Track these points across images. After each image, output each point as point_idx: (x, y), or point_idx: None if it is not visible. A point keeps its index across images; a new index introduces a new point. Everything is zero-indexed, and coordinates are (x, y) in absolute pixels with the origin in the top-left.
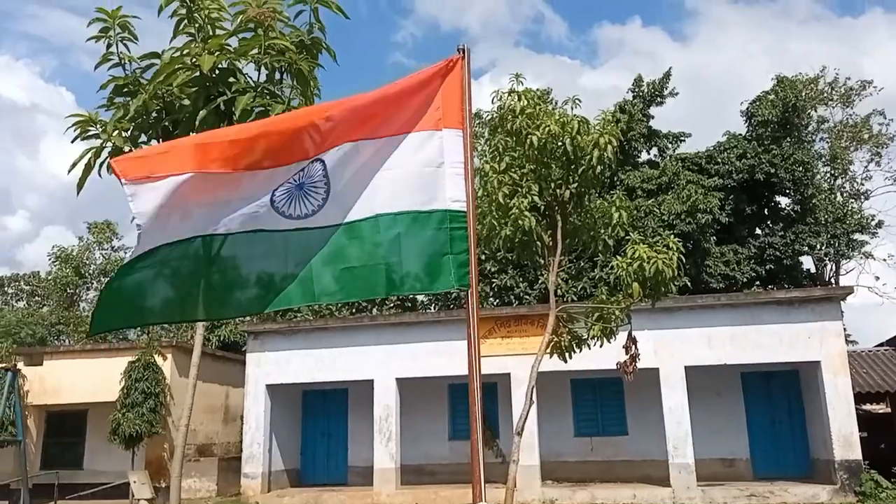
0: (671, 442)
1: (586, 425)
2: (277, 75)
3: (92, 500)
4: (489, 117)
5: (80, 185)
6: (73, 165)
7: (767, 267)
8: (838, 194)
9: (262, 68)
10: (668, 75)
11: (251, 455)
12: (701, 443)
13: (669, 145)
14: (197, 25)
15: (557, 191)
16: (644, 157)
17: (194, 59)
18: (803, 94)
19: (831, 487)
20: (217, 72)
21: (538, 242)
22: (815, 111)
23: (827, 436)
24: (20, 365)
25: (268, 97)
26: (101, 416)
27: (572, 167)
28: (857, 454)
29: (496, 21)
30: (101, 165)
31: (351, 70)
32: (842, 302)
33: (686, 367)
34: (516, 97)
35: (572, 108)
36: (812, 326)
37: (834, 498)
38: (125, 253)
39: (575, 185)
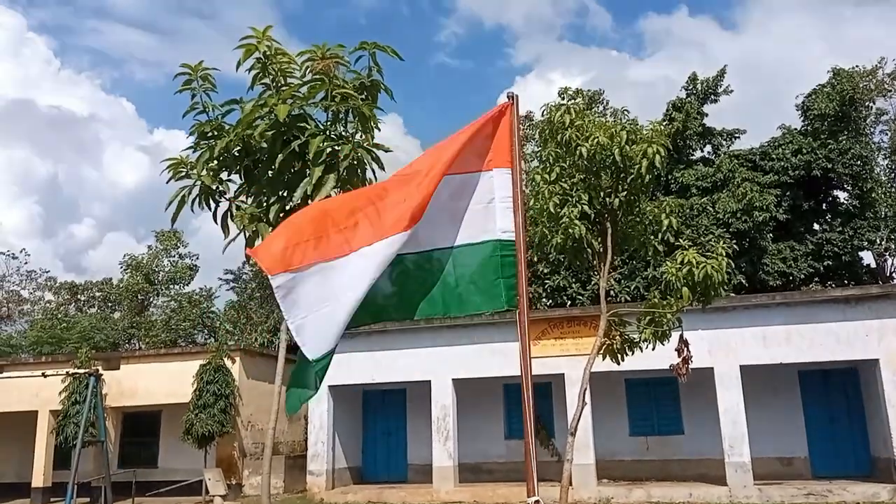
0: (727, 441)
1: (641, 424)
2: (341, 116)
3: (167, 497)
4: (539, 128)
5: (173, 219)
6: (170, 203)
7: (826, 263)
8: None
9: (329, 112)
10: (722, 73)
11: (316, 453)
12: (758, 442)
13: (724, 142)
14: (271, 77)
15: (607, 199)
16: (698, 154)
17: (271, 109)
18: (861, 85)
19: (892, 486)
20: (289, 117)
21: (588, 249)
22: (874, 103)
23: (886, 434)
24: (99, 369)
25: (335, 139)
26: (174, 417)
27: (621, 176)
28: None
29: (539, 16)
30: (192, 201)
31: (396, 75)
32: None
33: (741, 367)
34: (564, 109)
35: (621, 118)
36: (870, 324)
37: (895, 497)
38: (190, 260)
39: (624, 193)
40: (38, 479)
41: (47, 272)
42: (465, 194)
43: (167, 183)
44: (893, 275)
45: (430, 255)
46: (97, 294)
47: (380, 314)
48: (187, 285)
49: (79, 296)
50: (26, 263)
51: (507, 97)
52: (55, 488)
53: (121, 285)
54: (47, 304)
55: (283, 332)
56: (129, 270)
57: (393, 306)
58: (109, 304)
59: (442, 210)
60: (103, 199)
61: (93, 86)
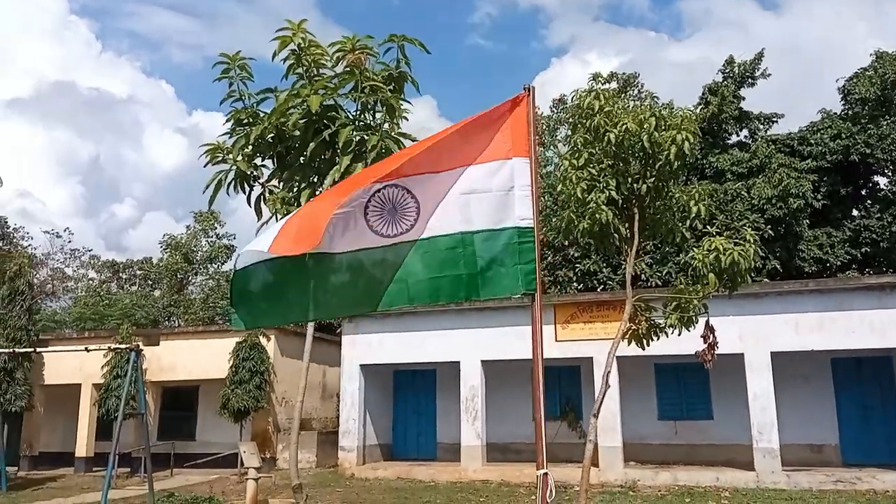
0: (756, 427)
1: (670, 409)
2: (370, 106)
3: (204, 469)
4: (569, 114)
5: (210, 202)
6: (208, 186)
7: (863, 250)
8: None
9: (358, 102)
10: (760, 56)
11: (347, 430)
12: (788, 428)
13: (761, 126)
14: (304, 67)
15: (635, 185)
16: (734, 139)
17: (304, 99)
18: None
19: None
20: (321, 107)
21: (615, 235)
22: None
23: None
24: (140, 345)
25: (363, 128)
26: (211, 392)
27: (650, 162)
28: None
29: None
30: (228, 185)
31: (429, 57)
32: None
33: (772, 353)
34: (593, 95)
35: (652, 104)
36: None
37: None
38: (228, 241)
39: (652, 179)
40: (82, 450)
41: (90, 251)
42: (488, 181)
43: (204, 167)
44: None
45: (450, 238)
46: (138, 272)
47: (410, 297)
48: (224, 264)
49: (120, 274)
50: (70, 242)
51: (524, 89)
52: (97, 458)
53: (160, 264)
54: (90, 282)
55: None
56: (168, 250)
57: (416, 291)
58: (150, 283)
59: (465, 196)
60: (143, 179)
61: (133, 68)
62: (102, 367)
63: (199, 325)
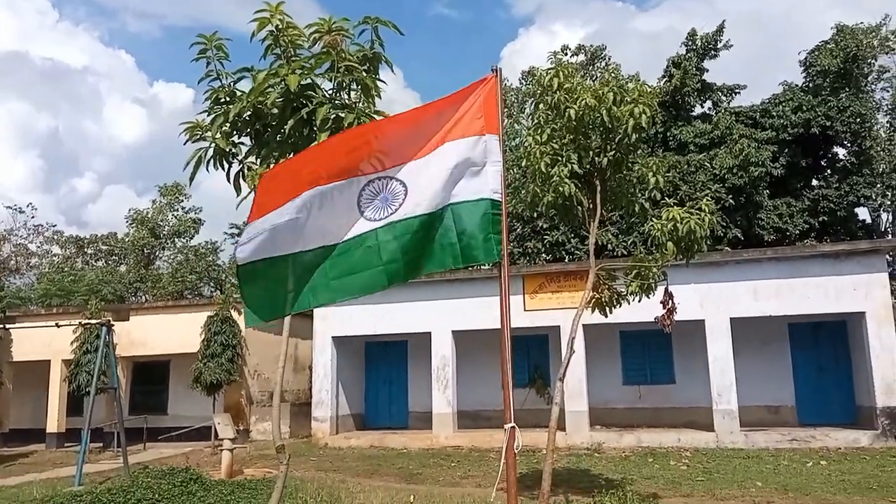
0: (716, 390)
1: (634, 374)
2: (345, 85)
3: (177, 442)
4: (529, 90)
5: (191, 179)
6: (188, 163)
7: (821, 219)
8: None
9: (334, 82)
10: (721, 28)
11: (320, 401)
12: (746, 390)
13: (724, 98)
14: (282, 48)
15: (596, 158)
16: (698, 110)
17: (283, 79)
18: (864, 42)
19: (872, 433)
20: (299, 86)
21: (579, 207)
22: (876, 60)
23: (870, 383)
24: (110, 320)
25: (340, 107)
26: (183, 367)
27: (609, 136)
28: None
29: None
30: (207, 162)
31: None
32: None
33: (732, 319)
34: (553, 73)
35: (617, 76)
36: (858, 279)
37: (875, 442)
38: (194, 214)
39: (612, 152)
40: (53, 425)
41: (54, 226)
42: (466, 156)
43: (184, 144)
44: (888, 230)
45: (436, 214)
46: (103, 247)
47: (391, 278)
48: (192, 239)
49: (85, 249)
50: (33, 218)
51: (492, 70)
52: (68, 434)
53: (126, 239)
54: (54, 258)
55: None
56: (134, 225)
57: (401, 269)
58: (115, 258)
59: (446, 171)
60: (103, 152)
61: (91, 38)
62: (72, 342)
63: (167, 300)
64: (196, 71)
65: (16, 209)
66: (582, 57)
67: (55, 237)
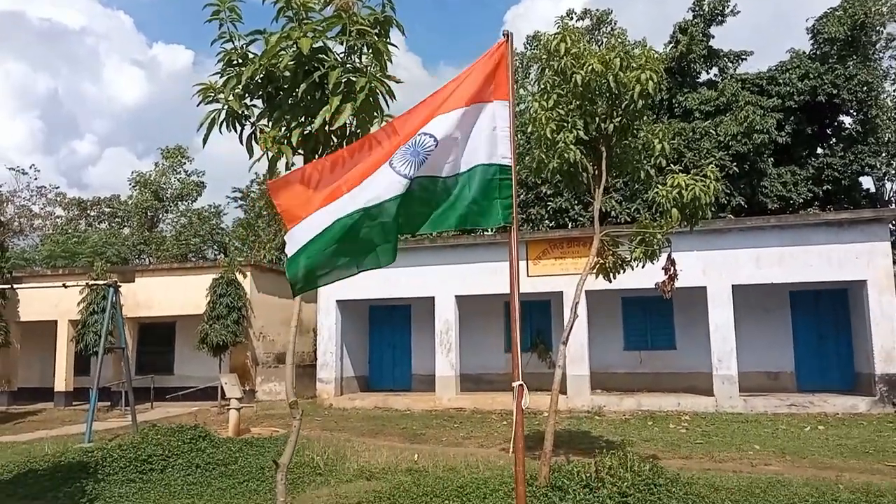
0: (716, 355)
1: (636, 340)
2: (356, 49)
3: (183, 402)
4: (540, 53)
5: (204, 141)
6: (201, 125)
7: (825, 188)
8: None
9: (346, 45)
10: None
11: (325, 363)
12: (747, 357)
13: (730, 64)
14: (293, 11)
15: (602, 125)
16: (704, 77)
17: (295, 41)
18: (873, 10)
19: (870, 399)
20: (311, 49)
21: (584, 173)
22: (885, 28)
23: (870, 350)
24: (117, 281)
25: (352, 70)
26: (188, 328)
27: (616, 102)
28: None
29: None
30: (220, 124)
31: None
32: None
33: (734, 286)
34: (560, 38)
35: (622, 41)
36: (860, 247)
37: (872, 409)
38: (197, 177)
39: (618, 119)
40: (61, 384)
41: (57, 188)
42: (478, 122)
43: (197, 106)
44: (892, 199)
45: (446, 180)
46: (106, 210)
47: (401, 230)
48: (195, 202)
49: (88, 211)
50: (36, 179)
51: (503, 35)
52: (76, 393)
53: (130, 202)
54: (57, 220)
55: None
56: (137, 187)
57: (415, 222)
58: (118, 220)
59: (460, 138)
60: (102, 114)
61: None
62: (78, 303)
63: (172, 262)
64: (198, 34)
65: (18, 170)
66: (587, 21)
67: (58, 199)
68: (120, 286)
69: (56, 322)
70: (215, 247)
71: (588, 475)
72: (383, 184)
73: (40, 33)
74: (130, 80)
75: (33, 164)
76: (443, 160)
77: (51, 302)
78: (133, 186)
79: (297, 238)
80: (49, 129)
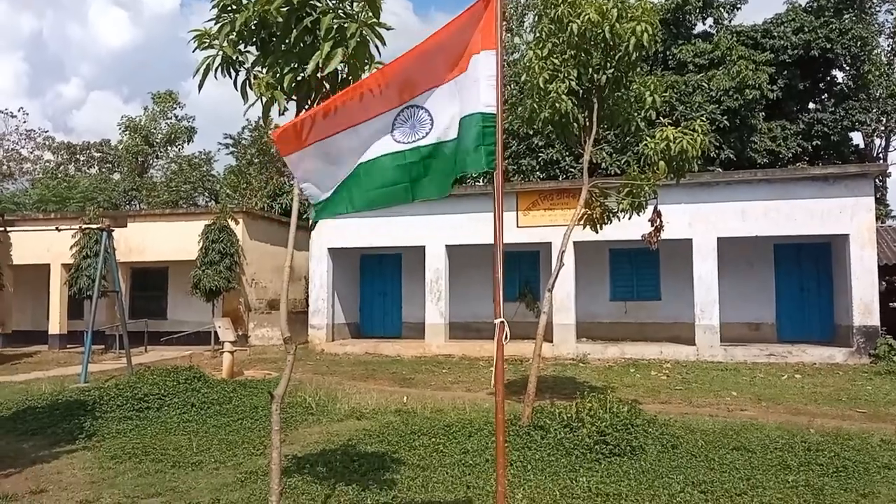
0: (699, 306)
1: (622, 290)
2: None
3: (177, 346)
4: (529, 2)
5: (200, 86)
6: (197, 71)
7: (814, 143)
8: None
9: None
10: None
11: (317, 309)
12: (730, 308)
13: (726, 15)
14: None
15: (595, 76)
16: (699, 28)
17: None
18: None
19: (847, 350)
20: None
21: (575, 124)
22: None
23: (849, 303)
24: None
25: (343, 16)
26: (181, 273)
27: (610, 53)
28: (875, 321)
29: None
30: (215, 70)
31: None
32: (884, 178)
33: (719, 239)
34: None
35: None
36: (844, 202)
37: (849, 359)
38: (188, 122)
39: (612, 70)
40: (55, 327)
41: (46, 132)
42: (470, 75)
43: (192, 52)
44: (880, 155)
45: (445, 143)
46: (95, 155)
47: (416, 193)
48: (185, 147)
49: (77, 156)
50: (25, 122)
51: None
52: (70, 336)
53: (120, 147)
54: (47, 164)
55: (295, 199)
56: (127, 132)
57: (425, 186)
58: (108, 166)
59: (457, 96)
60: (88, 57)
61: None
62: (71, 247)
63: (164, 208)
64: None
65: (7, 113)
66: None
67: (47, 143)
68: (113, 230)
69: (49, 266)
70: (206, 194)
71: (569, 416)
72: (381, 144)
73: None
74: (115, 23)
75: (21, 108)
76: (444, 125)
77: (43, 245)
78: (123, 131)
79: (304, 160)
80: (34, 72)
